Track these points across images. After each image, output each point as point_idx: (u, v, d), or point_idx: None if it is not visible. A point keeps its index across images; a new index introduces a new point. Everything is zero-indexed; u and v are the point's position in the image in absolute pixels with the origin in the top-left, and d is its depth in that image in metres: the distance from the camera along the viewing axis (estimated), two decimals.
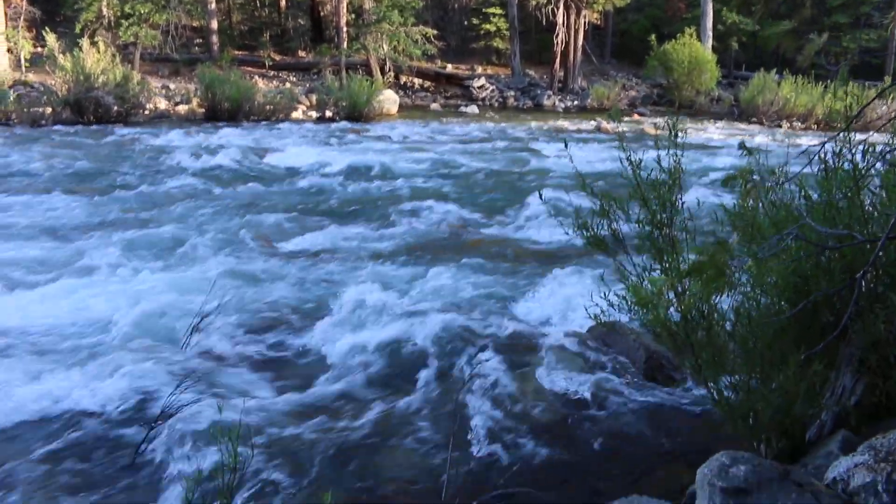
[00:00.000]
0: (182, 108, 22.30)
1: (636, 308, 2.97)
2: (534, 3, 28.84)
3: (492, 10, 32.30)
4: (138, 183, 10.69)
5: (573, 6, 28.88)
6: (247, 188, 10.35)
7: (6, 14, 24.65)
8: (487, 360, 4.50)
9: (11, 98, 19.99)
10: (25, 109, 19.56)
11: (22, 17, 26.33)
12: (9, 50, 24.19)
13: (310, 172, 11.44)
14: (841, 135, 2.82)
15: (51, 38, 20.61)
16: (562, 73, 29.89)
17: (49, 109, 19.70)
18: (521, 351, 4.70)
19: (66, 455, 3.62)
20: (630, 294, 2.51)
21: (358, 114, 20.76)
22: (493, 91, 29.35)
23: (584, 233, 3.42)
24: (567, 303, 5.43)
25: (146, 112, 20.99)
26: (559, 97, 28.81)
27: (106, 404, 4.06)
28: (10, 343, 4.84)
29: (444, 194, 9.83)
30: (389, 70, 27.23)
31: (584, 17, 29.81)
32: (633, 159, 3.15)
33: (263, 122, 19.89)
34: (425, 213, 8.62)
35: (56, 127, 18.50)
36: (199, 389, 4.03)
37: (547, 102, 28.32)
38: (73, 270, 6.31)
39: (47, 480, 3.42)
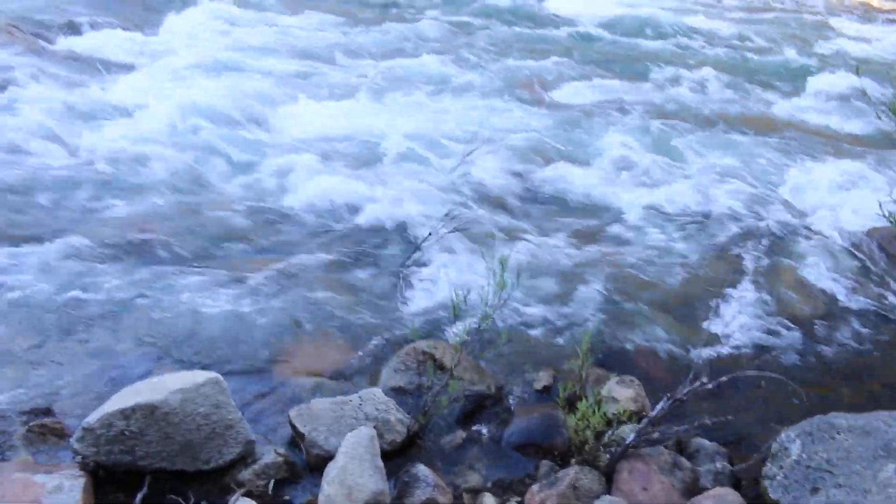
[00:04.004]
0: None
1: None
2: None
3: None
4: (418, 15, 10.96)
5: None
6: (523, 30, 10.26)
7: None
8: (750, 239, 4.30)
9: None
10: None
11: None
12: None
13: (587, 23, 11.07)
14: None
15: None
16: None
17: None
18: (787, 235, 4.44)
19: (342, 252, 4.04)
20: None
21: None
22: None
23: None
24: (848, 198, 4.97)
25: None
26: None
27: (381, 214, 4.43)
28: (300, 148, 5.32)
29: (722, 63, 9.15)
30: None
31: None
32: None
33: None
34: (697, 79, 8.12)
35: None
36: (463, 215, 4.24)
37: None
38: (351, 90, 6.73)
39: (325, 272, 3.83)
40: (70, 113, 5.61)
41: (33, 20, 8.76)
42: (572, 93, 7.27)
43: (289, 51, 8.01)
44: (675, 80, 8.01)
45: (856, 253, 4.36)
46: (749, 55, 9.84)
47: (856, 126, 6.83)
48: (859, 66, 3.75)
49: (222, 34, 8.63)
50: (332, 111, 6.09)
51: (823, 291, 3.92)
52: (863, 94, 3.59)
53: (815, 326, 3.58)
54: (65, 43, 8.01)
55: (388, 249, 4.09)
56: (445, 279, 3.71)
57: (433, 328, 3.31)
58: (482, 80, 7.28)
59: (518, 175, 5.09)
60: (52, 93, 5.92)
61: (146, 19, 9.40)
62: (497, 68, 7.77)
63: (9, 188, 4.39)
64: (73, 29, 8.56)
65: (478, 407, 2.87)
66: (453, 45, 8.92)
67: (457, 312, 2.56)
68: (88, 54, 7.56)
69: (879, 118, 3.09)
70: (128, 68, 7.11)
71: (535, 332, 3.37)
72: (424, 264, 3.88)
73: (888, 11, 16.58)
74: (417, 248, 3.85)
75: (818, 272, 4.13)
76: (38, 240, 3.84)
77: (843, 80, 8.21)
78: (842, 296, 3.89)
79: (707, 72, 8.24)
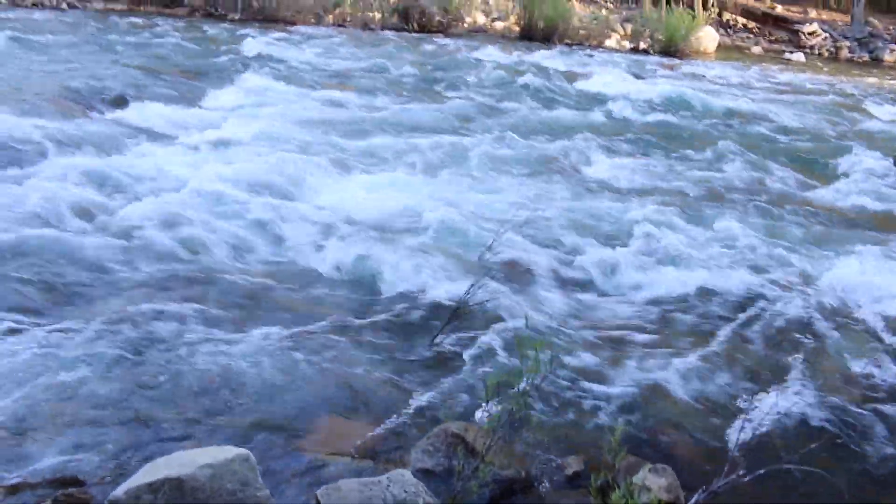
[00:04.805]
0: (499, 25, 22.82)
1: None
2: None
3: None
4: (454, 92, 11.27)
5: None
6: (555, 110, 10.45)
7: None
8: (790, 324, 4.25)
9: (349, 1, 21.77)
10: (359, 13, 21.26)
11: None
12: None
13: (618, 102, 11.23)
14: None
15: None
16: None
17: (378, 15, 21.23)
18: (829, 321, 4.37)
19: (369, 327, 4.03)
20: None
21: (673, 49, 19.87)
22: (824, 39, 26.56)
23: None
24: (890, 283, 4.89)
25: (464, 25, 21.80)
26: None
27: (413, 289, 4.46)
28: (336, 220, 5.41)
29: (754, 144, 9.17)
30: (713, 5, 25.64)
31: None
32: None
33: (576, 47, 19.77)
34: (731, 160, 8.15)
35: (383, 32, 19.87)
36: (495, 293, 4.24)
37: (888, 57, 25.11)
38: (386, 164, 6.90)
39: (354, 345, 3.83)
40: (112, 183, 5.77)
41: (82, 91, 9.10)
42: (606, 171, 7.34)
43: (327, 125, 8.22)
44: (709, 161, 8.05)
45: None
46: (784, 136, 9.89)
47: (893, 210, 6.78)
48: None
49: (264, 108, 8.89)
50: (368, 184, 6.22)
51: (867, 381, 3.83)
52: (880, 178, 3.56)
53: (858, 418, 3.48)
54: (111, 114, 8.31)
55: (420, 325, 4.09)
56: (477, 359, 3.68)
57: (464, 409, 3.28)
58: (516, 159, 7.38)
59: (552, 254, 5.09)
60: (96, 163, 6.11)
61: (190, 93, 9.73)
62: (531, 146, 7.88)
63: (47, 257, 4.48)
64: (119, 101, 8.89)
65: (506, 492, 2.82)
66: (486, 123, 9.09)
67: (489, 395, 2.54)
68: (134, 125, 7.83)
69: None
70: (171, 140, 7.32)
71: (567, 416, 3.32)
72: (456, 343, 3.87)
73: None
74: (448, 325, 3.84)
75: (861, 361, 4.04)
76: (71, 308, 3.91)
77: (879, 164, 8.19)
78: (886, 386, 3.80)
79: (741, 152, 8.28)
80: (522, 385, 2.54)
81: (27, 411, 3.11)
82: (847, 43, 26.35)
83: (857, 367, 3.98)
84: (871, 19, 28.76)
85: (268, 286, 4.46)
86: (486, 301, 4.06)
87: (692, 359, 3.91)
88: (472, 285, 3.93)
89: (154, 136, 7.45)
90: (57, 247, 4.58)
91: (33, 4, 19.81)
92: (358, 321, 4.03)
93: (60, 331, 3.67)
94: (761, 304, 4.58)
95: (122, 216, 5.11)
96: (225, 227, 5.11)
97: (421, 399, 3.39)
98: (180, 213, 5.18)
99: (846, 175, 7.96)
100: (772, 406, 3.38)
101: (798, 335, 4.23)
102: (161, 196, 5.50)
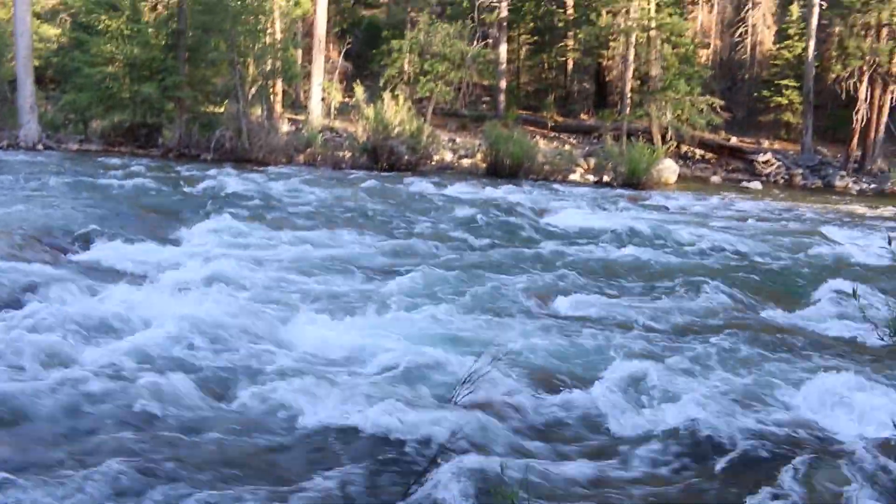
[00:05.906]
0: (466, 162, 23.54)
1: None
2: (834, 76, 27.14)
3: (785, 81, 30.69)
4: (423, 230, 11.45)
5: (879, 80, 26.76)
6: (523, 245, 10.62)
7: (324, 68, 27.74)
8: (770, 458, 4.19)
9: (319, 141, 22.44)
10: (329, 153, 21.88)
11: (337, 71, 29.67)
12: (322, 99, 27.14)
13: (585, 236, 11.48)
14: None
15: (359, 90, 22.96)
16: (859, 153, 27.67)
17: (348, 154, 21.84)
18: (803, 451, 4.30)
19: (337, 478, 3.86)
20: None
21: (636, 181, 20.58)
22: (778, 167, 27.72)
23: None
24: (862, 409, 4.89)
25: (432, 163, 22.44)
26: (853, 178, 26.59)
27: (379, 439, 4.28)
28: (302, 365, 5.31)
29: (720, 273, 9.33)
30: (671, 138, 26.78)
31: (892, 93, 27.40)
32: None
33: (541, 182, 20.38)
34: (698, 290, 8.23)
35: (353, 171, 20.36)
36: (470, 439, 4.13)
37: (839, 183, 26.23)
38: (355, 305, 6.82)
39: (323, 499, 3.65)
40: (77, 326, 5.66)
41: (53, 232, 9.14)
42: (577, 306, 7.34)
43: (296, 265, 8.24)
44: (678, 292, 8.13)
45: (884, 465, 4.22)
46: (748, 264, 10.11)
47: (857, 334, 6.86)
48: (856, 290, 3.80)
49: (233, 248, 8.94)
50: (337, 326, 6.16)
51: None
52: (861, 314, 3.61)
53: None
54: (81, 255, 8.35)
55: (393, 475, 3.92)
56: None
57: None
58: (487, 295, 7.38)
59: (527, 393, 5.02)
60: (62, 306, 6.04)
61: (161, 233, 9.82)
62: (501, 283, 7.91)
63: (9, 408, 4.33)
64: (89, 241, 8.98)
65: None
66: (456, 261, 9.17)
67: None
68: (103, 266, 7.86)
69: (882, 339, 3.09)
70: (139, 280, 7.29)
71: None
72: (431, 493, 3.70)
73: (872, 218, 17.24)
74: (423, 475, 3.71)
75: (846, 486, 3.98)
76: (32, 462, 3.74)
77: (839, 287, 8.33)
78: None
79: (707, 282, 8.39)
80: None
81: None
82: (800, 170, 27.50)
83: (844, 491, 3.90)
84: (819, 148, 30.14)
85: (230, 435, 4.28)
86: (461, 447, 3.95)
87: (676, 496, 3.81)
88: (451, 432, 3.84)
89: (122, 277, 7.41)
90: (20, 396, 4.44)
91: (9, 146, 20.15)
92: (326, 472, 3.86)
93: (22, 487, 3.49)
94: (740, 435, 4.51)
95: (83, 364, 4.99)
96: (191, 374, 4.99)
97: None
98: (142, 359, 5.07)
99: (810, 301, 8.08)
100: None
101: (779, 467, 4.15)
102: (125, 342, 5.40)
